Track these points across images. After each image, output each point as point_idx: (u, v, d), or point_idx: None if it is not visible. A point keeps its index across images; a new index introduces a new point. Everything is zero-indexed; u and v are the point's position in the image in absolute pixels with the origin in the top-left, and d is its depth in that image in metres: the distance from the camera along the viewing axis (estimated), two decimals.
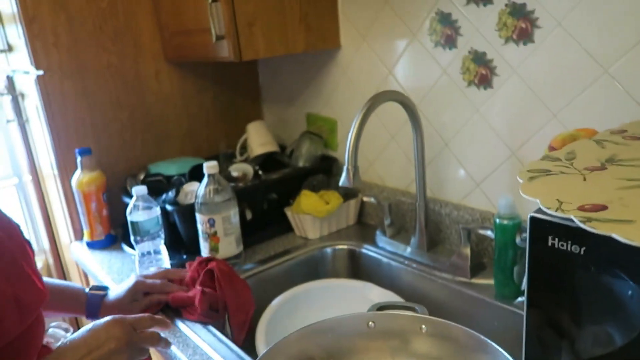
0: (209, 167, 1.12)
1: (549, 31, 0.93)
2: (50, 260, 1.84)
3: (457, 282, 1.05)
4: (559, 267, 0.51)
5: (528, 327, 0.58)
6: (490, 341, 0.64)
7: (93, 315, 0.98)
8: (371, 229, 1.34)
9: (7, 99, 1.62)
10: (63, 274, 1.79)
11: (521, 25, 0.96)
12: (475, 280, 1.04)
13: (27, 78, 1.42)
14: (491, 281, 1.01)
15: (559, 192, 0.50)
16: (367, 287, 1.13)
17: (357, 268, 1.27)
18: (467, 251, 1.05)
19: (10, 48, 1.48)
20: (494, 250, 0.97)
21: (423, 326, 0.72)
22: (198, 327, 0.96)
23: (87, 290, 1.00)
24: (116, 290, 1.00)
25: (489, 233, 1.00)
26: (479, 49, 1.05)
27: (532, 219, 0.52)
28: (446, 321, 0.70)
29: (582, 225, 0.43)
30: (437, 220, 1.20)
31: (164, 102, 1.53)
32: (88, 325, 0.78)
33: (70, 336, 0.76)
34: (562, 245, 0.50)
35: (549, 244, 0.51)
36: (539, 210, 0.51)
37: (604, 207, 0.46)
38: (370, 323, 0.74)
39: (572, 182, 0.53)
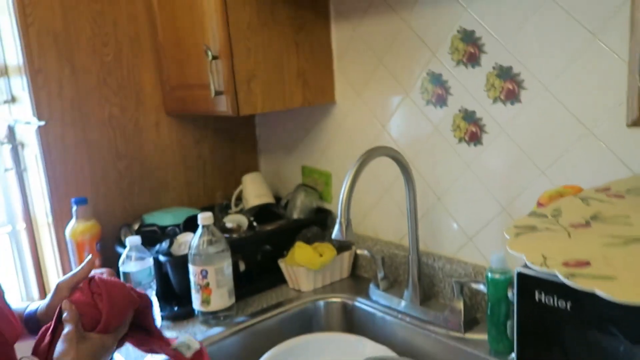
0: (204, 218, 1.13)
1: (534, 92, 0.97)
2: None
3: (450, 337, 1.04)
4: (546, 322, 0.52)
5: None
6: None
7: (33, 329, 0.87)
8: (365, 281, 1.33)
9: (7, 147, 1.65)
10: None
11: (508, 87, 1.01)
12: (469, 335, 1.03)
13: (28, 128, 1.45)
14: (485, 336, 1.00)
15: (544, 248, 0.52)
16: (360, 342, 1.11)
17: (351, 321, 1.25)
18: (460, 305, 1.05)
19: (13, 99, 1.52)
20: (487, 305, 0.97)
21: None
22: None
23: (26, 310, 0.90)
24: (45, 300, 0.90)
25: (482, 287, 1.00)
26: (469, 107, 1.09)
27: (519, 274, 0.53)
28: None
29: (565, 281, 0.44)
30: (430, 273, 1.20)
31: (163, 152, 1.56)
32: None
33: None
34: (549, 300, 0.51)
35: (536, 298, 0.52)
36: (526, 266, 0.52)
37: (587, 264, 0.47)
38: None
39: (557, 238, 0.54)
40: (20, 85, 1.41)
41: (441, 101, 1.14)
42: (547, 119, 0.96)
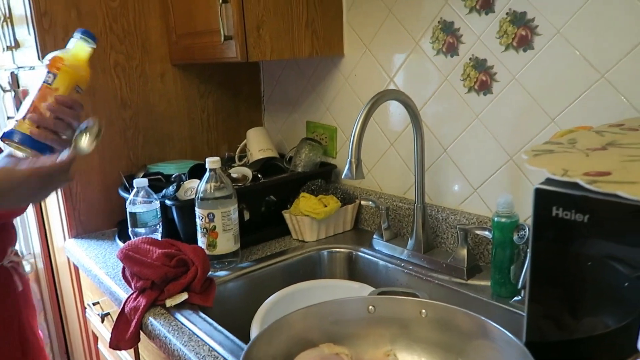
0: (211, 162, 1.13)
1: (548, 38, 0.96)
2: (41, 265, 1.82)
3: (453, 282, 1.06)
4: (563, 238, 0.53)
5: (530, 304, 0.59)
6: (490, 322, 0.65)
7: None
8: (367, 234, 1.34)
9: (9, 95, 1.63)
10: (53, 277, 1.76)
11: (521, 33, 1.00)
12: (471, 282, 1.05)
13: (32, 74, 1.43)
14: (487, 282, 1.02)
15: (564, 163, 0.52)
16: (363, 288, 1.12)
17: (354, 271, 1.27)
18: (464, 252, 1.06)
19: (17, 44, 1.49)
20: (492, 250, 0.98)
21: (423, 310, 0.72)
22: (193, 315, 0.96)
23: None
24: None
25: (487, 233, 1.01)
26: (480, 56, 1.08)
27: (537, 190, 0.53)
28: (446, 305, 0.70)
29: (587, 186, 0.45)
30: (434, 225, 1.21)
31: (168, 104, 1.55)
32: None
33: None
34: (567, 215, 0.51)
35: (553, 214, 0.52)
36: (543, 184, 0.53)
37: (607, 173, 0.47)
38: (370, 307, 0.74)
39: (576, 158, 0.55)
40: (25, 32, 1.39)
41: (452, 50, 1.13)
42: (560, 65, 0.95)
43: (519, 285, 0.93)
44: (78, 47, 0.91)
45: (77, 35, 0.91)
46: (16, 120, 0.86)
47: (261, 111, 1.77)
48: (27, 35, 1.38)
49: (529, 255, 0.56)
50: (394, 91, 1.02)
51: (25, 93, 0.89)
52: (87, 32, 0.91)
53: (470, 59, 1.10)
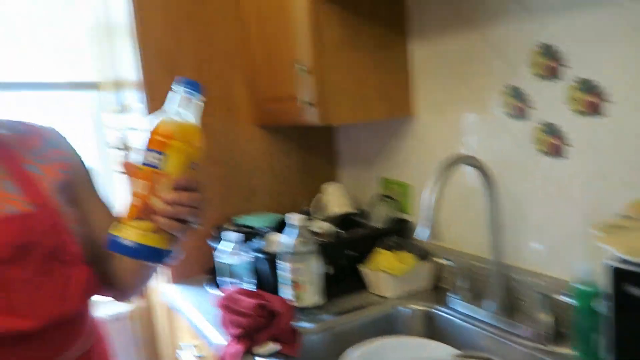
0: (300, 219, 1.23)
1: (618, 105, 0.98)
2: (141, 304, 1.98)
3: (534, 348, 1.05)
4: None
5: None
6: None
7: None
8: (444, 292, 1.35)
9: (119, 153, 1.85)
10: (149, 317, 1.92)
11: (591, 100, 1.02)
12: (552, 348, 1.04)
13: (136, 134, 1.63)
14: (569, 349, 1.00)
15: (632, 242, 0.55)
16: (441, 348, 1.14)
17: (432, 329, 1.29)
18: (545, 318, 1.05)
19: (124, 108, 1.72)
20: (573, 317, 0.97)
21: None
22: None
23: None
24: None
25: (567, 300, 1.00)
26: (550, 120, 1.11)
27: (610, 267, 0.56)
28: None
29: None
30: (512, 287, 1.21)
31: (253, 161, 1.70)
32: None
33: None
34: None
35: (629, 291, 0.55)
36: (617, 262, 0.56)
37: None
38: None
39: None
40: (129, 96, 1.60)
41: (521, 114, 1.17)
42: (632, 131, 0.96)
43: (603, 356, 0.92)
44: (186, 108, 0.69)
45: (179, 90, 0.69)
46: (120, 222, 0.69)
47: (336, 167, 1.87)
48: (132, 99, 1.59)
49: (611, 328, 0.58)
50: (465, 157, 1.07)
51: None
52: (192, 84, 0.69)
53: (540, 123, 1.13)
